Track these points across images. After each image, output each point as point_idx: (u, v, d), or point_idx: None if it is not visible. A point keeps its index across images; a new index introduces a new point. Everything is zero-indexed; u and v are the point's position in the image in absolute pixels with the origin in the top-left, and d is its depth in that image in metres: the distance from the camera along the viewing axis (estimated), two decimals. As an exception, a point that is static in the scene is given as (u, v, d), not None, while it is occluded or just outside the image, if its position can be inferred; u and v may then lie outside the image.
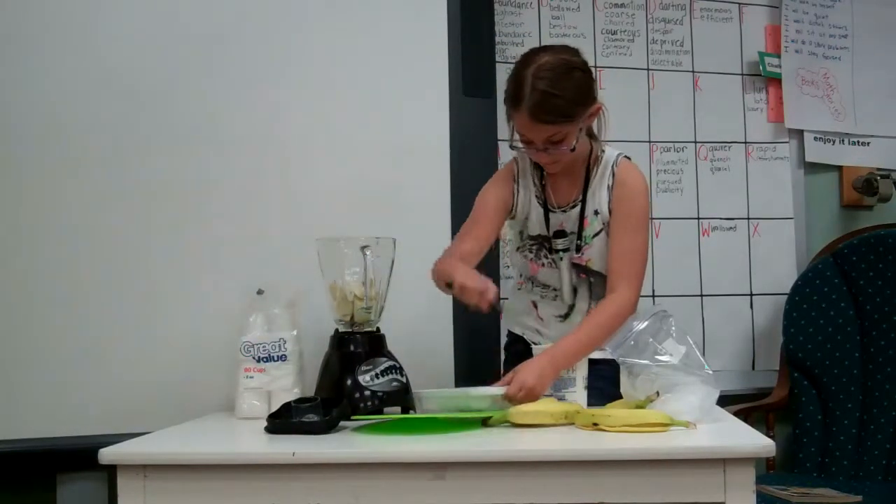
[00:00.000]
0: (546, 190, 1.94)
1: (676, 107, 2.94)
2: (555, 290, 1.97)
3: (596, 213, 1.90)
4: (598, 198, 1.90)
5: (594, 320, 1.82)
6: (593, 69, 2.77)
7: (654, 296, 2.81)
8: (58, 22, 2.09)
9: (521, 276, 2.05)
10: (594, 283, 1.93)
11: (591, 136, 1.93)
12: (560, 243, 1.92)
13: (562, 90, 1.77)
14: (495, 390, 1.71)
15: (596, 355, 1.81)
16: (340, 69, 2.26)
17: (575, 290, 1.95)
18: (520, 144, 1.85)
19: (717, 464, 1.38)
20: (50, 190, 2.07)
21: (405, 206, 2.23)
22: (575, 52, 1.86)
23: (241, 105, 2.19)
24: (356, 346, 1.83)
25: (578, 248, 1.92)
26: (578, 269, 1.93)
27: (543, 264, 1.97)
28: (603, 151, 1.93)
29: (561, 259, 1.93)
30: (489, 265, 2.32)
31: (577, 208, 1.92)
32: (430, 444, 1.52)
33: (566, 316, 1.97)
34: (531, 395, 1.67)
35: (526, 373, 1.70)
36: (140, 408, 2.01)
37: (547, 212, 1.94)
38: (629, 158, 1.94)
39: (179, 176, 2.14)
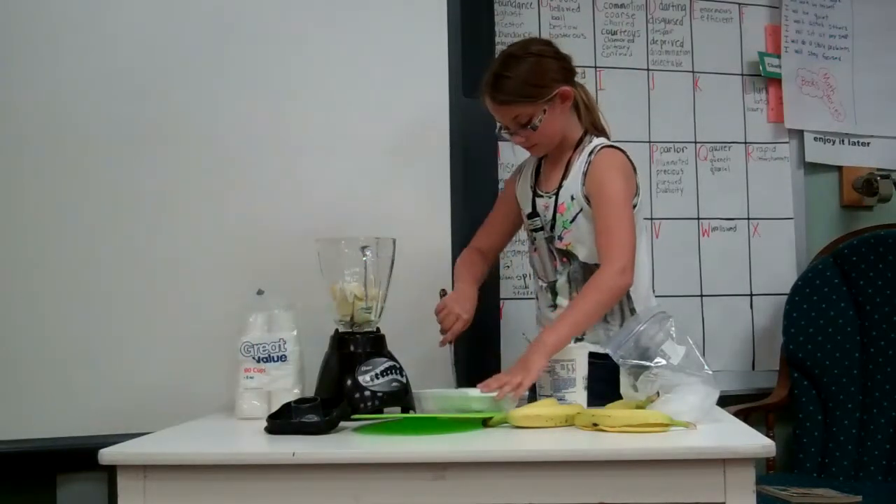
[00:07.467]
0: (539, 176, 2.03)
1: (676, 107, 2.93)
2: (542, 280, 2.02)
3: (572, 198, 1.94)
4: (575, 183, 1.94)
5: (579, 296, 1.86)
6: (593, 69, 2.82)
7: (654, 296, 2.80)
8: (60, 24, 2.09)
9: None
10: (573, 271, 1.95)
11: (591, 125, 1.98)
12: (533, 223, 1.99)
13: (513, 72, 1.87)
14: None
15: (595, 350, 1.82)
16: (340, 69, 2.26)
17: (566, 278, 1.97)
18: (502, 133, 1.95)
19: (717, 464, 1.38)
20: (51, 190, 2.07)
21: (405, 206, 2.23)
22: (543, 42, 2.02)
23: (240, 105, 2.19)
24: (356, 346, 1.83)
25: (552, 227, 1.96)
26: (561, 253, 1.97)
27: (535, 248, 2.03)
28: (591, 141, 1.97)
29: (535, 239, 2.01)
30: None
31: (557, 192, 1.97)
32: (430, 444, 1.52)
33: (553, 307, 1.99)
34: (519, 390, 1.66)
35: (511, 371, 1.70)
36: (140, 408, 2.01)
37: (535, 196, 2.01)
38: (618, 149, 1.95)
39: (180, 176, 2.14)
